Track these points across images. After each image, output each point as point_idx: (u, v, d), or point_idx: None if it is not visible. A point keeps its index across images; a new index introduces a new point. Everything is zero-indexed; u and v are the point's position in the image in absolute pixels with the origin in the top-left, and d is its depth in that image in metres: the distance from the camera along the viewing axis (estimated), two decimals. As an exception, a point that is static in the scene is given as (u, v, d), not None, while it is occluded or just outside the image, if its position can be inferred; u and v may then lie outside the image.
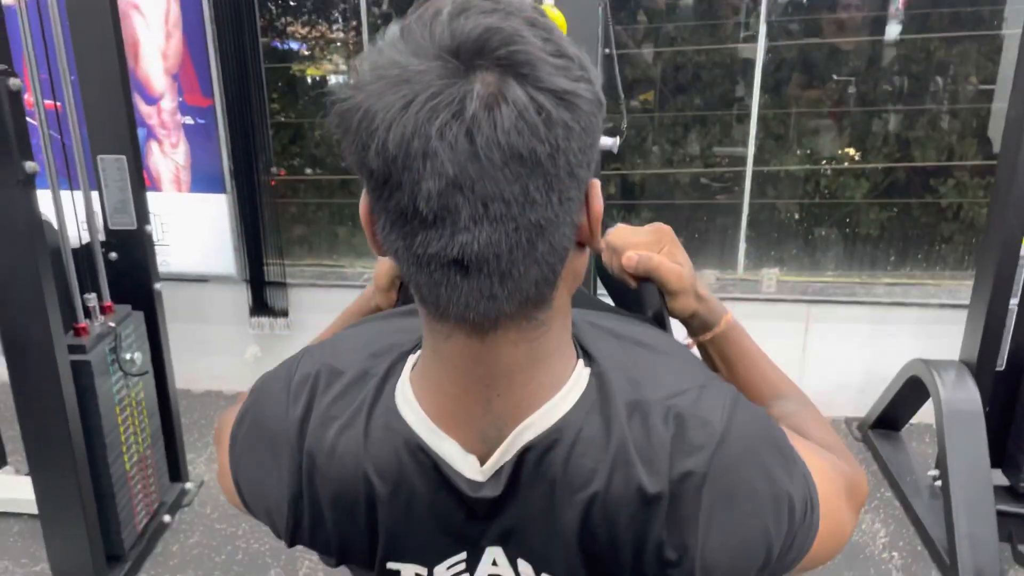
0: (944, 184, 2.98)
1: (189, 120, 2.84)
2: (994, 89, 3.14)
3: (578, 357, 0.65)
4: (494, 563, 0.68)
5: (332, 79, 3.25)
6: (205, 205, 2.93)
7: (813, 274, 3.05)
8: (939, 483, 2.30)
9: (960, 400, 2.26)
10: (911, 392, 2.51)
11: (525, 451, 0.62)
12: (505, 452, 0.63)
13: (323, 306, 3.08)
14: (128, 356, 2.13)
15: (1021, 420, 2.39)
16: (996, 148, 2.85)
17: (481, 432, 0.63)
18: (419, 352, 0.67)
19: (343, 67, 3.22)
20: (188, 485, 2.54)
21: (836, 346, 2.92)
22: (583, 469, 0.62)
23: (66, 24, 2.00)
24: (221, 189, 2.91)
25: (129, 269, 2.25)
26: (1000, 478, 2.45)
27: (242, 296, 3.04)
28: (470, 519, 0.66)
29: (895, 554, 2.30)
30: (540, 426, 0.62)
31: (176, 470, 2.50)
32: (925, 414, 2.59)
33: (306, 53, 3.12)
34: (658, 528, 0.62)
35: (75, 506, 1.95)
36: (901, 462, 2.65)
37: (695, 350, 0.85)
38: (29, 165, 1.70)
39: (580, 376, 0.64)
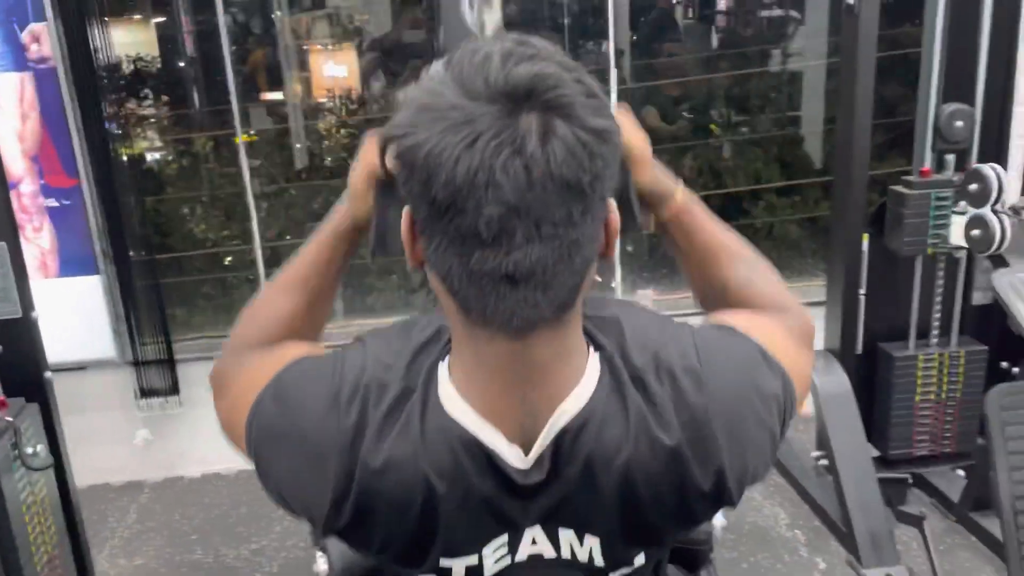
0: (756, 207, 3.36)
1: (53, 202, 2.72)
2: (800, 116, 3.59)
3: (588, 347, 0.75)
4: (533, 542, 0.76)
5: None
6: (76, 288, 2.80)
7: (684, 292, 3.31)
8: (823, 463, 2.55)
9: (832, 383, 2.53)
10: (788, 384, 2.77)
11: (562, 435, 0.72)
12: (545, 438, 0.72)
13: (214, 379, 3.00)
14: (30, 450, 2.00)
15: (881, 395, 2.69)
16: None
17: (520, 423, 0.72)
18: (448, 359, 0.75)
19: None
20: (95, 584, 2.39)
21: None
22: (613, 441, 0.72)
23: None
24: (94, 270, 2.79)
25: (16, 361, 2.12)
26: (872, 450, 2.75)
27: (125, 379, 2.91)
28: (516, 503, 0.74)
29: (798, 532, 2.53)
30: (571, 411, 0.72)
31: (83, 568, 2.34)
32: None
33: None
34: (690, 469, 0.74)
35: (-10, 619, 1.81)
36: (786, 450, 2.89)
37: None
38: (-81, 257, 1.60)
39: (594, 363, 0.74)
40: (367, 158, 0.90)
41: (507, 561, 0.77)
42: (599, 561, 0.77)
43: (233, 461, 2.97)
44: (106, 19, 2.66)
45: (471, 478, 0.72)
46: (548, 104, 0.61)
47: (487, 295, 0.66)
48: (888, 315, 2.65)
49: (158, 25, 3.50)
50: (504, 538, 0.76)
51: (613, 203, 0.70)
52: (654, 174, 0.93)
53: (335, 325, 3.11)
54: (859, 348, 2.66)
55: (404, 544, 0.76)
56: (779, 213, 3.38)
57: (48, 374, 2.20)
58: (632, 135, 0.90)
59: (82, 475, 2.40)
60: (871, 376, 2.71)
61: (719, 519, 1.35)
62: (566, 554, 0.76)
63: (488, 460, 0.72)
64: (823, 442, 2.50)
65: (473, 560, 0.76)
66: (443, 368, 0.75)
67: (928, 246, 2.43)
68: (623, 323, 0.78)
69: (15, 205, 2.69)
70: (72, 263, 2.78)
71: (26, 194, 2.69)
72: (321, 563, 1.29)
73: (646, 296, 3.22)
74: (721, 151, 3.45)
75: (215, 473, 3.05)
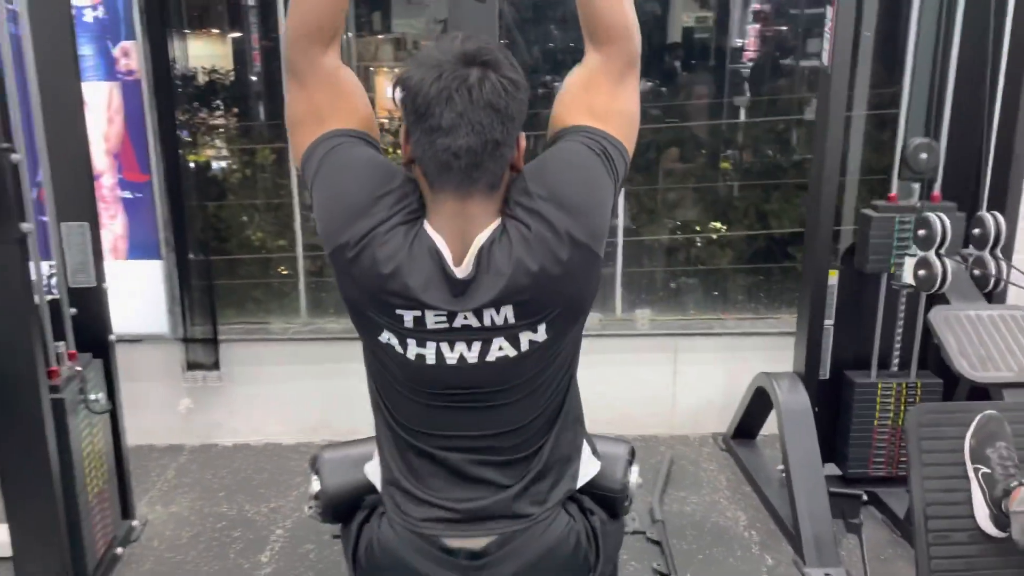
0: (800, 250, 3.57)
1: (128, 195, 3.16)
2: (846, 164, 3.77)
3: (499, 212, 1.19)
4: (464, 318, 1.17)
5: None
6: (140, 271, 3.22)
7: (678, 314, 3.61)
8: (784, 475, 2.82)
9: (793, 401, 2.80)
10: (759, 400, 3.05)
11: (480, 252, 1.15)
12: (471, 253, 1.16)
13: (250, 359, 3.39)
14: (93, 397, 2.41)
15: (843, 420, 2.95)
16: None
17: (460, 248, 1.16)
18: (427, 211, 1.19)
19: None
20: (135, 523, 2.78)
21: (700, 371, 3.46)
22: (504, 248, 1.15)
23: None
24: (157, 256, 3.21)
25: (87, 322, 2.53)
26: (834, 469, 3.01)
27: (174, 353, 3.31)
28: (453, 291, 1.16)
29: (753, 532, 2.79)
30: (484, 236, 1.16)
31: (126, 508, 2.73)
32: (774, 425, 3.13)
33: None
34: (550, 248, 1.15)
35: (52, 528, 2.19)
36: (756, 463, 3.17)
37: None
38: (24, 226, 2.01)
39: (499, 218, 1.18)
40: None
41: (445, 324, 1.17)
42: (512, 320, 1.17)
43: (260, 434, 3.36)
44: (186, 33, 3.09)
45: (426, 274, 1.15)
46: (485, 63, 1.10)
47: (443, 168, 1.11)
48: (854, 345, 2.92)
49: (233, 40, 3.89)
50: (444, 314, 1.17)
51: (523, 135, 1.17)
52: None
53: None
54: (826, 373, 2.94)
55: (374, 291, 1.17)
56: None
57: (112, 336, 2.61)
58: None
59: (131, 434, 2.80)
60: (836, 402, 2.98)
61: (634, 477, 1.66)
62: (487, 323, 1.17)
63: (440, 259, 1.15)
64: (783, 452, 2.77)
65: (418, 313, 1.16)
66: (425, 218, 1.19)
67: (891, 265, 2.71)
68: (527, 175, 1.20)
69: (96, 194, 3.14)
70: (139, 248, 3.21)
71: (106, 186, 3.13)
72: (315, 484, 1.63)
73: (644, 315, 3.53)
74: (766, 195, 3.72)
75: (245, 443, 3.43)
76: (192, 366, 3.32)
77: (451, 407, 1.25)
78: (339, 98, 1.25)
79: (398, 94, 1.13)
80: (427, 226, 1.17)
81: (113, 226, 3.17)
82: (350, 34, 4.17)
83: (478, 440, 1.27)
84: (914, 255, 2.54)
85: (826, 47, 2.60)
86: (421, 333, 1.18)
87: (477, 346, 1.19)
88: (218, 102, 3.68)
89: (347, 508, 1.54)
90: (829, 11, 2.58)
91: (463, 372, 1.20)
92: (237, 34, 3.84)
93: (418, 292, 1.15)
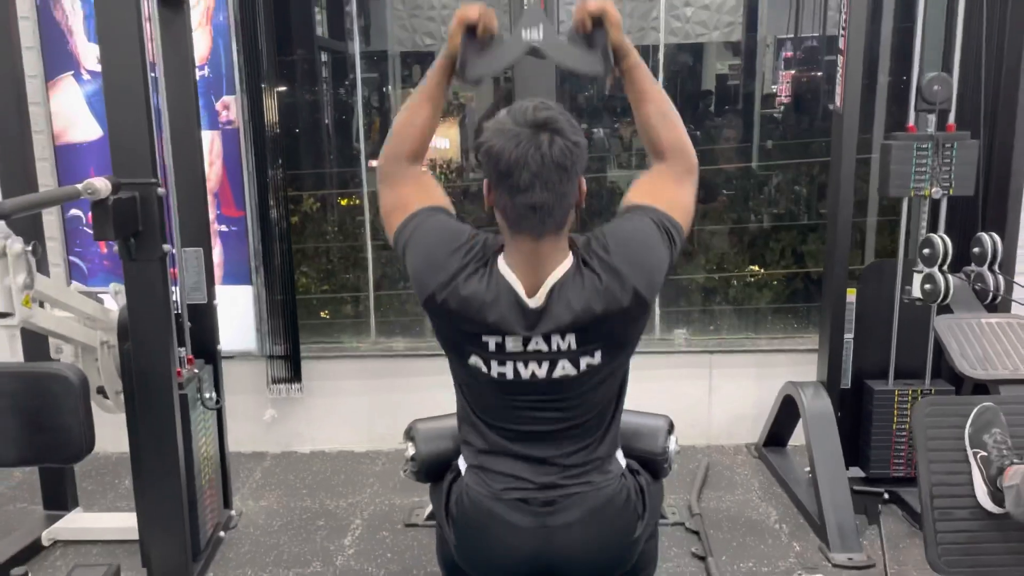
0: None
1: (224, 227, 3.61)
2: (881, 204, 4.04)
3: (570, 250, 1.51)
4: (536, 343, 1.49)
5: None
6: (233, 294, 3.65)
7: (712, 333, 3.94)
8: (811, 474, 3.11)
9: (818, 407, 3.11)
10: (787, 408, 3.36)
11: (552, 288, 1.47)
12: (544, 289, 1.47)
13: (328, 374, 3.79)
14: (207, 395, 2.82)
15: (865, 425, 3.25)
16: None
17: (532, 283, 1.48)
18: (502, 254, 1.50)
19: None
20: (233, 512, 3.16)
21: (734, 385, 3.77)
22: (576, 289, 1.46)
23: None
24: (248, 282, 3.65)
25: (200, 333, 2.95)
26: (858, 472, 3.29)
27: (260, 368, 3.73)
28: (526, 320, 1.48)
29: (784, 526, 3.08)
30: (557, 276, 1.47)
31: (227, 498, 3.12)
32: (802, 436, 3.41)
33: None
34: (614, 295, 1.46)
35: (176, 511, 2.57)
36: (786, 467, 3.46)
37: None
38: (165, 247, 2.44)
39: (570, 256, 1.49)
40: (459, 19, 1.55)
41: (520, 348, 1.49)
42: (574, 347, 1.47)
43: (334, 442, 3.75)
44: (278, 90, 3.56)
45: (504, 302, 1.46)
46: (552, 129, 1.38)
47: (521, 218, 1.42)
48: (873, 356, 3.23)
49: (312, 93, 4.32)
50: (520, 338, 1.48)
51: (583, 180, 1.48)
52: (621, 36, 1.59)
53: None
54: (847, 382, 3.24)
55: (463, 328, 1.49)
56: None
57: (219, 346, 3.02)
58: (610, 9, 1.53)
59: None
60: (859, 409, 3.27)
61: (672, 444, 2.00)
62: (553, 348, 1.47)
63: (515, 295, 1.47)
64: (808, 451, 3.07)
65: (499, 339, 1.49)
66: (501, 257, 1.51)
67: (910, 189, 2.89)
68: (607, 235, 1.51)
69: (197, 228, 3.59)
70: (232, 274, 3.65)
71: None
72: (410, 448, 1.99)
73: (681, 335, 3.87)
74: (803, 235, 4.04)
75: (321, 451, 3.82)
76: (276, 380, 3.73)
77: (526, 408, 1.56)
78: (421, 190, 1.59)
79: (482, 157, 1.41)
80: (501, 265, 1.47)
81: (212, 254, 3.61)
82: (390, 88, 4.61)
83: (547, 433, 1.58)
84: (920, 271, 2.86)
85: (838, 91, 2.97)
86: (502, 355, 1.49)
87: (546, 365, 1.49)
88: (301, 150, 4.12)
89: (436, 469, 1.91)
90: (840, 59, 2.95)
91: (535, 385, 1.51)
92: (315, 88, 4.31)
93: (498, 322, 1.45)
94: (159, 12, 2.66)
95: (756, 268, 4.06)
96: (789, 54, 4.12)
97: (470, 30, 1.56)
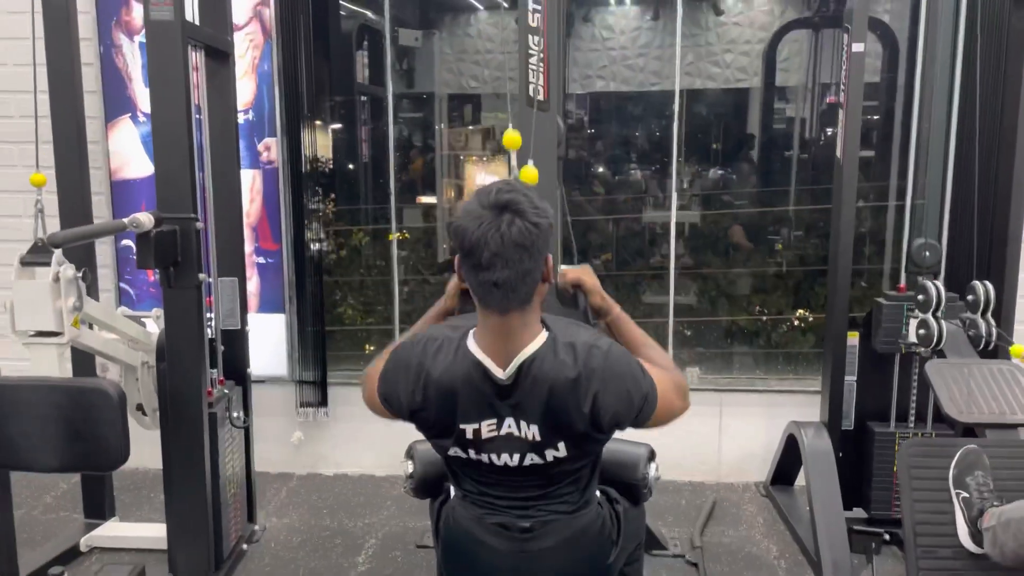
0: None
1: (261, 260, 3.86)
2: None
3: (543, 328, 1.61)
4: (509, 425, 1.58)
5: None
6: (267, 323, 3.89)
7: (723, 372, 4.06)
8: (810, 512, 3.19)
9: (818, 446, 3.20)
10: (792, 447, 3.45)
11: (522, 364, 1.55)
12: (514, 365, 1.55)
13: (353, 400, 3.97)
14: (236, 414, 3.03)
15: (867, 467, 3.32)
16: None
17: (503, 358, 1.56)
18: (474, 328, 1.62)
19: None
20: (256, 527, 3.36)
21: (744, 424, 3.87)
22: (548, 371, 1.55)
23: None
24: (282, 310, 3.89)
25: (232, 357, 3.18)
26: (861, 513, 3.35)
27: (290, 393, 3.94)
28: (498, 398, 1.57)
29: (783, 561, 3.16)
30: (527, 354, 1.55)
31: (251, 513, 3.32)
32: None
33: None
34: (578, 394, 1.54)
35: (202, 522, 2.77)
36: (791, 505, 3.54)
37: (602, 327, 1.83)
38: (201, 276, 2.68)
39: (543, 335, 1.58)
40: (457, 286, 1.76)
41: (495, 432, 1.60)
42: (538, 438, 1.52)
43: (357, 466, 3.93)
44: (316, 127, 3.82)
45: (475, 381, 1.58)
46: (514, 211, 1.43)
47: (487, 294, 1.47)
48: (876, 400, 3.31)
49: (342, 132, 4.61)
50: (494, 419, 1.60)
51: (550, 257, 1.58)
52: (600, 299, 1.80)
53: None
54: (850, 424, 3.32)
55: (442, 418, 1.61)
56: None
57: (249, 370, 3.24)
58: (588, 277, 1.79)
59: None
60: (861, 449, 3.35)
61: (652, 471, 2.13)
62: (523, 435, 1.53)
63: (485, 373, 1.58)
64: (808, 487, 3.16)
65: (476, 426, 1.60)
66: (470, 334, 1.63)
67: (900, 347, 3.13)
68: (575, 326, 1.63)
69: (237, 259, 3.85)
70: (267, 303, 3.89)
71: (247, 252, 3.84)
72: (408, 466, 2.17)
73: (693, 373, 3.99)
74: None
75: (344, 473, 4.01)
76: (304, 404, 3.94)
77: (505, 483, 1.65)
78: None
79: (452, 236, 1.48)
80: (470, 343, 1.54)
81: (249, 284, 3.86)
82: (442, 126, 4.85)
83: (520, 502, 1.66)
84: (916, 316, 2.96)
85: (839, 142, 3.11)
86: (478, 444, 1.56)
87: (517, 456, 1.56)
88: (336, 188, 4.37)
89: (433, 486, 2.07)
90: (841, 113, 3.10)
91: (508, 469, 1.60)
92: (353, 129, 4.58)
93: (471, 407, 1.53)
94: (206, 63, 2.93)
95: (804, 312, 4.18)
96: (832, 99, 4.23)
97: (465, 292, 1.68)
